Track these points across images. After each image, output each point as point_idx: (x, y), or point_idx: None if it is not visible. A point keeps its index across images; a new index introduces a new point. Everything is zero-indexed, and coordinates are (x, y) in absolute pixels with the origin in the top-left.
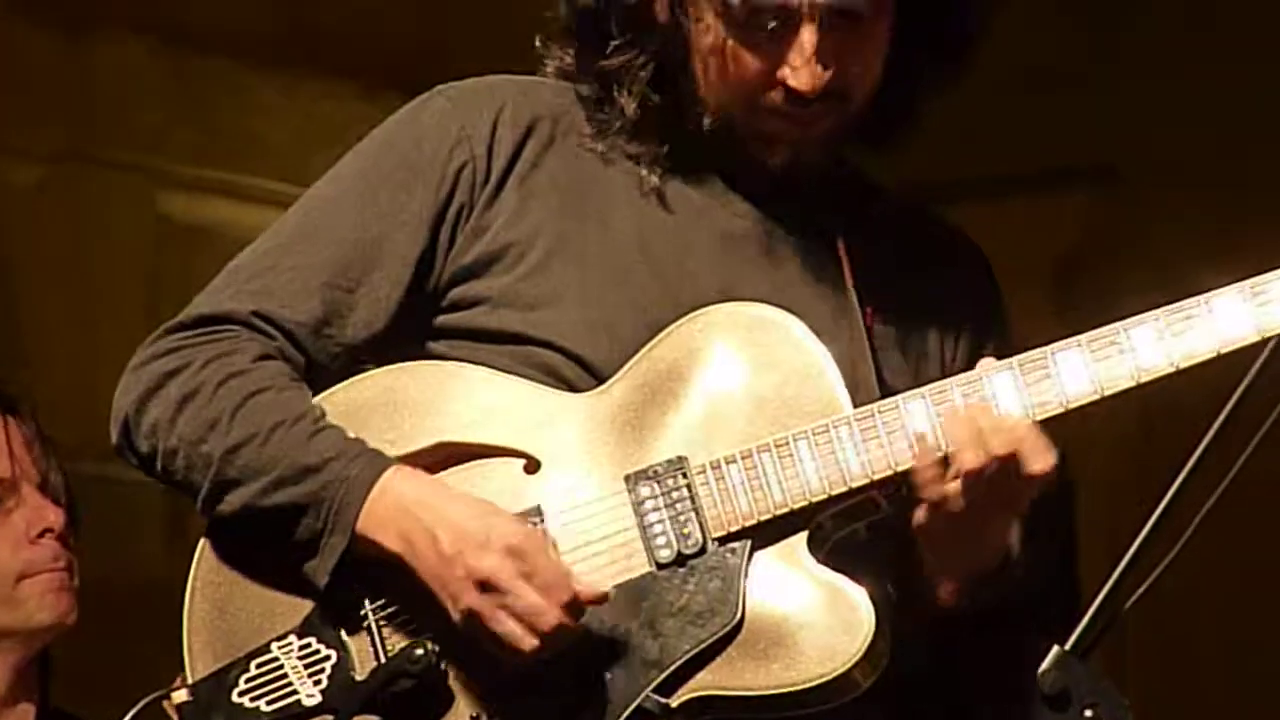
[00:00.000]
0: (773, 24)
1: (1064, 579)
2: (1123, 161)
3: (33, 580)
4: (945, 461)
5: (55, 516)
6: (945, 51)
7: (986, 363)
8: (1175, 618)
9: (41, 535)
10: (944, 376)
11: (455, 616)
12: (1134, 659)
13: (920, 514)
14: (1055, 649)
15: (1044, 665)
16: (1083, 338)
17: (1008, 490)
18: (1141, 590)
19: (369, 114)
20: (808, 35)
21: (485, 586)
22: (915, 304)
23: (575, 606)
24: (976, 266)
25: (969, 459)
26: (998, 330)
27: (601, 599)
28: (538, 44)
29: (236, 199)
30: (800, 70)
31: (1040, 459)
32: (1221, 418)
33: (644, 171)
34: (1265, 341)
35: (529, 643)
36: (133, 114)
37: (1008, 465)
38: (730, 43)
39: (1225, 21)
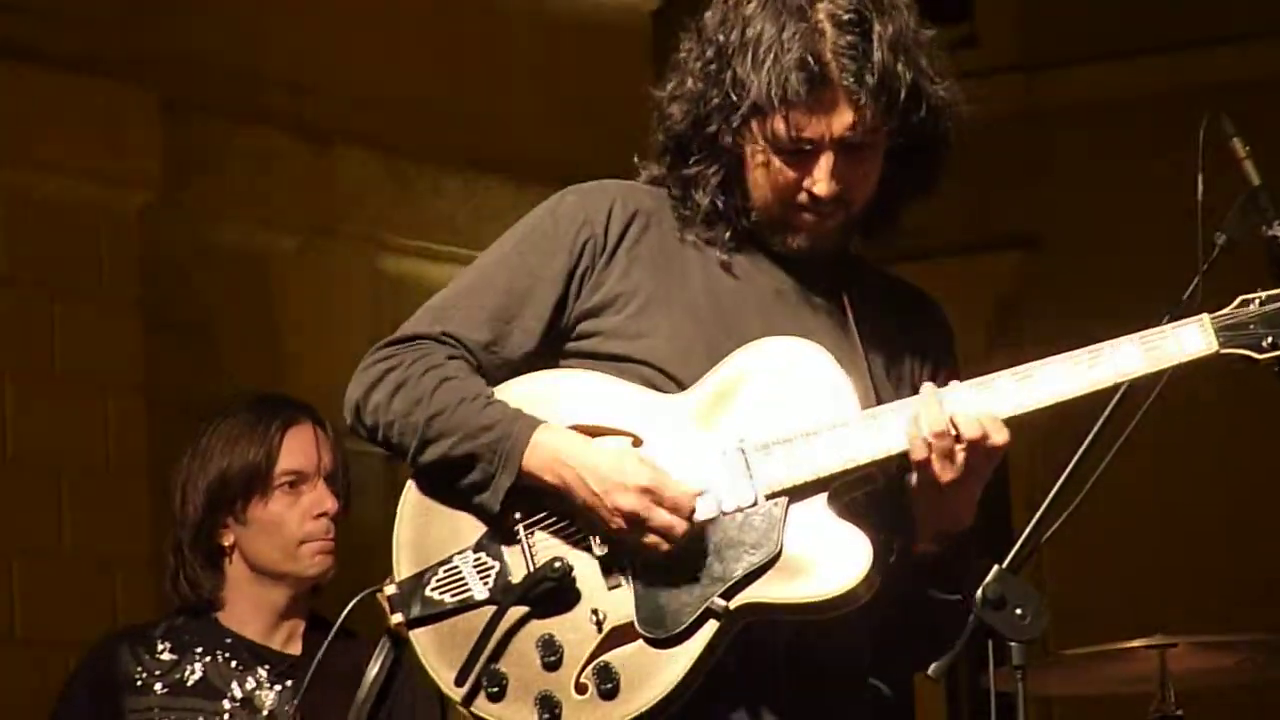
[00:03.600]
0: (805, 148)
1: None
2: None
3: (309, 545)
4: (929, 445)
5: (331, 504)
6: (918, 176)
7: (954, 384)
8: (1078, 545)
9: (320, 515)
10: (915, 393)
11: (609, 533)
12: (1048, 573)
13: (915, 480)
14: (995, 567)
15: (987, 579)
16: (1012, 369)
17: (976, 463)
18: (1056, 525)
19: (520, 200)
20: (826, 159)
21: (629, 517)
22: (895, 341)
23: (692, 517)
24: (938, 315)
25: (946, 441)
26: (952, 361)
27: (694, 500)
28: (636, 160)
29: (431, 259)
30: (820, 182)
31: (1000, 434)
32: (1109, 408)
33: (712, 250)
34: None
35: (664, 548)
36: (362, 200)
37: (977, 444)
38: (775, 162)
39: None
